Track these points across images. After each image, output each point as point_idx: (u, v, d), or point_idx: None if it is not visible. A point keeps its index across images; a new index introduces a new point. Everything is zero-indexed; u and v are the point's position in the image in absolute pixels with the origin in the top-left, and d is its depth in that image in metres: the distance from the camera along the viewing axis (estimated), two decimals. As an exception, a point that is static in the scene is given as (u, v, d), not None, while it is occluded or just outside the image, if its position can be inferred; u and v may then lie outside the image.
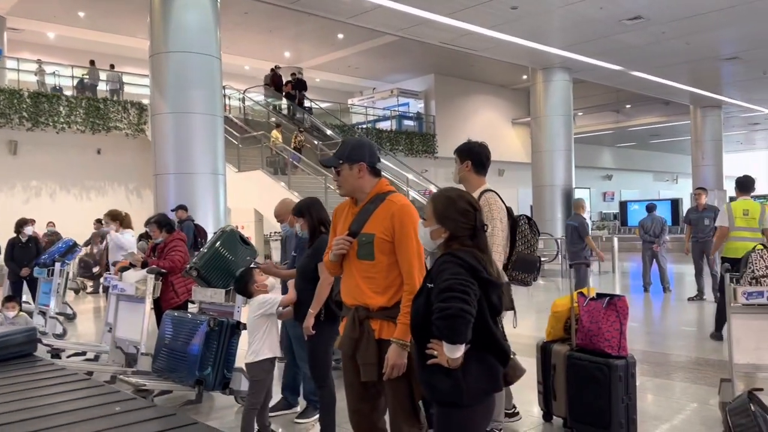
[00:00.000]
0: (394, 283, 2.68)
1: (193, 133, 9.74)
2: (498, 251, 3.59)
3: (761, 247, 4.19)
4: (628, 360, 3.74)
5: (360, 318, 2.71)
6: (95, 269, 8.76)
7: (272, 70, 20.22)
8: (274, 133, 16.76)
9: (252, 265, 4.65)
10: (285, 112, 20.10)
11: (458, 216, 2.25)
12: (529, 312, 8.55)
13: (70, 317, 9.31)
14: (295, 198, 7.60)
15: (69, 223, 13.67)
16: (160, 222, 5.65)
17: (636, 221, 22.21)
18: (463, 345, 2.08)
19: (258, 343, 3.81)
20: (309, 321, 3.53)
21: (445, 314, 2.03)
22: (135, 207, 15.98)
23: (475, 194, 3.76)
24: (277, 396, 4.62)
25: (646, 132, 28.60)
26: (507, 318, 3.87)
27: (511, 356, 2.26)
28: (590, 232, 8.91)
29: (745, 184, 6.89)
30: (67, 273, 8.86)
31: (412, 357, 2.48)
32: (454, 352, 2.08)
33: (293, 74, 20.44)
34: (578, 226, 8.80)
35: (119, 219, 7.34)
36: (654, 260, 10.54)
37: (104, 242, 7.94)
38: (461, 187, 3.76)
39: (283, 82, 20.04)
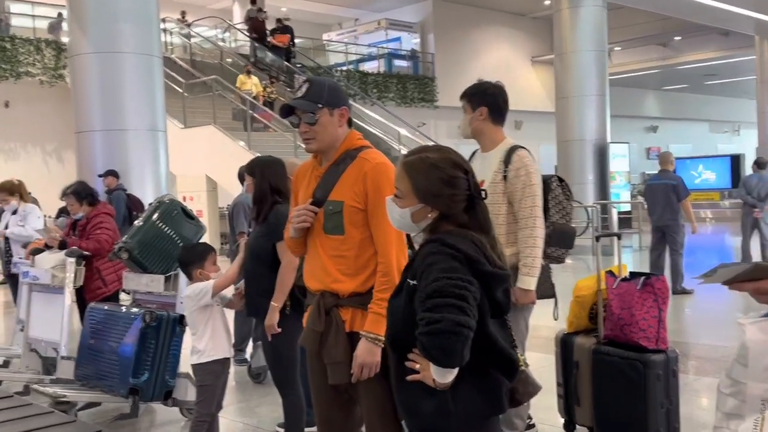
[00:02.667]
0: (369, 263, 2.67)
1: (124, 79, 9.57)
2: (541, 226, 3.61)
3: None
4: (669, 354, 3.76)
5: (326, 306, 2.70)
6: None
7: (254, 11, 19.49)
8: (242, 78, 16.56)
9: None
10: (249, 53, 19.71)
11: (446, 188, 2.11)
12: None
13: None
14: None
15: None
16: (79, 192, 5.59)
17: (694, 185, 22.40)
18: (457, 368, 1.99)
19: (201, 341, 3.82)
20: (272, 317, 3.54)
21: (434, 329, 1.91)
22: (55, 173, 15.88)
23: (500, 152, 3.72)
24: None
25: (700, 71, 28.54)
26: (544, 307, 3.87)
27: (522, 368, 2.17)
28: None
29: None
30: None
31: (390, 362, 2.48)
32: (444, 376, 2.00)
33: (279, 20, 19.75)
34: (677, 184, 8.87)
35: (18, 191, 7.05)
36: (756, 229, 10.50)
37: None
38: (463, 144, 3.77)
39: (267, 31, 19.43)
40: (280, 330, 3.53)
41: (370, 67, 22.94)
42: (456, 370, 2.00)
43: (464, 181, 2.14)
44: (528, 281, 3.59)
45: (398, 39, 23.92)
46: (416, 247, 2.34)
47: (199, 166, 14.42)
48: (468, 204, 2.15)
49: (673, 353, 3.81)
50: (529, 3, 22.99)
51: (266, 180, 3.74)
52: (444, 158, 2.16)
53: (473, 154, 3.91)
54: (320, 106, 2.70)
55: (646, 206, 9.36)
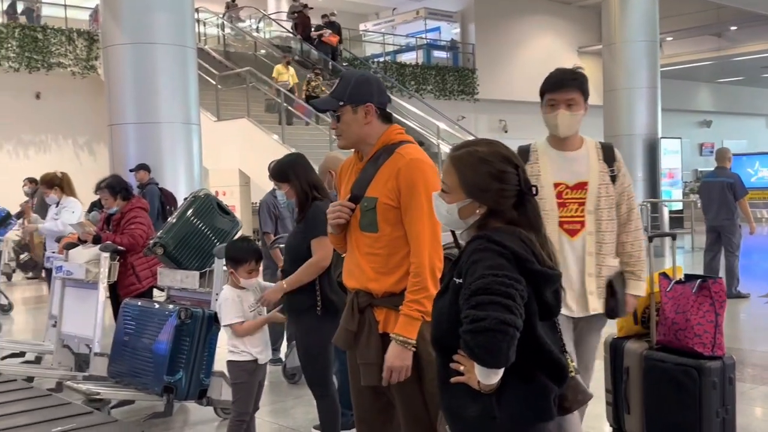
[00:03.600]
0: (403, 262, 2.70)
1: (158, 70, 9.71)
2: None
3: None
4: (725, 361, 3.73)
5: (360, 306, 2.75)
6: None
7: (299, 6, 19.44)
8: (279, 68, 16.58)
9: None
10: (294, 48, 19.73)
11: (495, 183, 2.10)
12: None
13: (5, 309, 9.50)
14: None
15: (2, 187, 13.82)
16: (113, 186, 5.69)
17: (750, 183, 22.00)
18: (502, 369, 1.99)
19: (236, 338, 3.87)
20: (274, 294, 3.70)
21: (478, 327, 1.90)
22: (86, 166, 16.12)
23: (592, 150, 3.58)
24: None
25: (756, 62, 27.99)
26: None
27: (572, 374, 2.16)
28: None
29: None
30: (0, 252, 9.01)
31: (425, 361, 2.53)
32: (489, 377, 1.99)
33: (325, 15, 19.66)
34: (734, 182, 8.77)
35: (58, 184, 6.93)
36: None
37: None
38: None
39: (313, 28, 19.40)
40: (271, 304, 3.73)
41: (407, 58, 22.91)
42: (501, 372, 2.00)
43: (514, 176, 2.13)
44: (642, 287, 3.54)
45: (437, 29, 23.85)
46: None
47: (232, 161, 14.53)
48: (518, 200, 2.14)
49: (729, 360, 3.78)
50: (576, -9, 22.82)
51: (302, 180, 3.77)
52: (493, 152, 2.16)
53: (527, 150, 3.57)
54: (341, 104, 2.75)
55: (699, 205, 9.23)
